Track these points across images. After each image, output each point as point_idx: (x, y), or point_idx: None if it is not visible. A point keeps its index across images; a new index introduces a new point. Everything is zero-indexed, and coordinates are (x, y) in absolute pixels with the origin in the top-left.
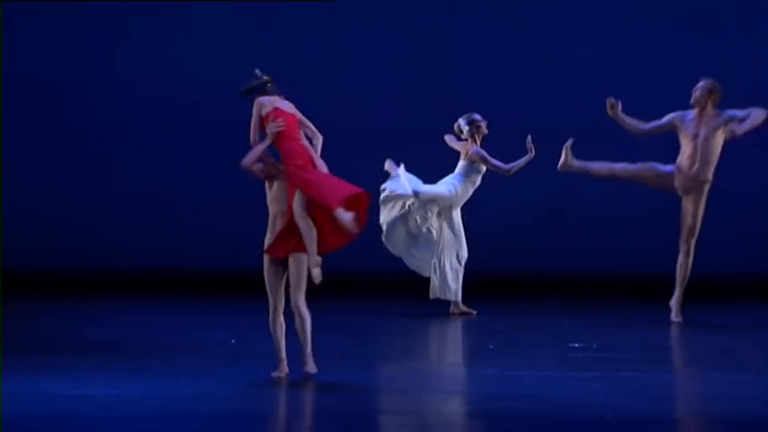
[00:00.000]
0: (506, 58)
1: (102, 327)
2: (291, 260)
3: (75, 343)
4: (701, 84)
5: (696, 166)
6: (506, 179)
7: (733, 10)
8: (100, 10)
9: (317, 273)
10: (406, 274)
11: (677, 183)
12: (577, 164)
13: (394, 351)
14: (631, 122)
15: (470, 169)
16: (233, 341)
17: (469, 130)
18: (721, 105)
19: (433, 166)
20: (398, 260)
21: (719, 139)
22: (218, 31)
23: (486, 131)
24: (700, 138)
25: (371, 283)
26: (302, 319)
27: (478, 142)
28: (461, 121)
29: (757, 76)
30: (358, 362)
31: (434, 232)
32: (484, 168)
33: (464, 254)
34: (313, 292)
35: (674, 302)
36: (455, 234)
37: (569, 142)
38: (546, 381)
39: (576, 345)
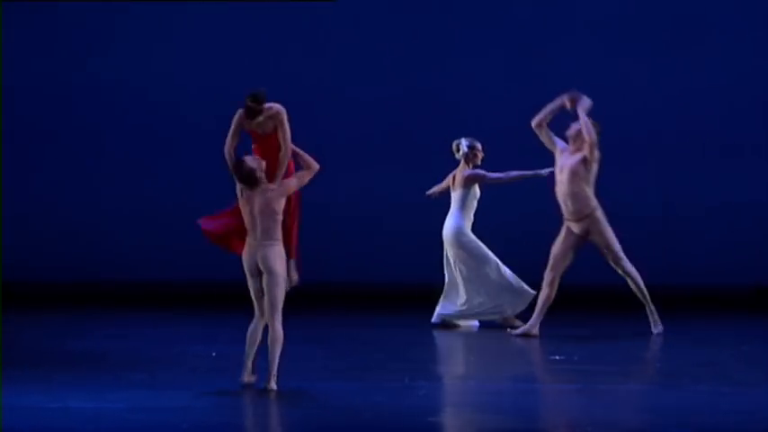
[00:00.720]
0: (495, 70)
1: (85, 339)
2: (265, 280)
3: (57, 356)
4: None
5: (567, 202)
6: (493, 196)
7: (716, 30)
8: (81, 19)
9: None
10: (392, 286)
11: (576, 230)
12: (535, 320)
13: (375, 363)
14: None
15: (467, 196)
16: (213, 354)
17: (467, 153)
18: (698, 129)
19: (420, 176)
20: (387, 272)
21: (577, 176)
22: (205, 40)
23: (479, 163)
24: (560, 173)
25: (359, 296)
26: (274, 339)
27: (470, 167)
28: (464, 142)
29: (737, 93)
30: (340, 374)
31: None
32: (479, 191)
33: (492, 269)
34: (303, 305)
35: (649, 316)
36: (477, 258)
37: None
38: (527, 393)
39: (558, 357)
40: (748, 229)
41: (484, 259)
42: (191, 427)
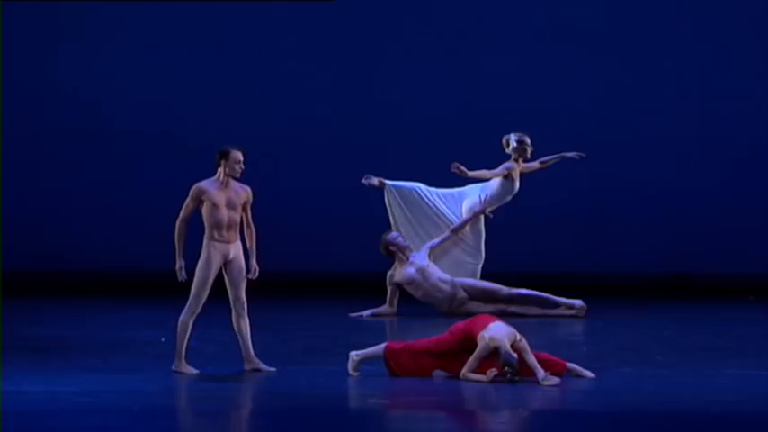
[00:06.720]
0: (437, 74)
1: (39, 326)
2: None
3: (11, 341)
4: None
5: None
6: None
7: (656, 34)
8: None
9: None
10: (336, 275)
11: None
12: None
13: (318, 348)
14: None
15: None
16: (163, 340)
17: (516, 147)
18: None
19: (360, 169)
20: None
21: None
22: (198, 49)
23: (528, 157)
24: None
25: (303, 284)
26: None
27: (520, 161)
28: (512, 137)
29: (666, 88)
30: (283, 358)
31: None
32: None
33: None
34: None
35: None
36: None
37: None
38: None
39: None
40: (671, 220)
41: None
42: (141, 410)
